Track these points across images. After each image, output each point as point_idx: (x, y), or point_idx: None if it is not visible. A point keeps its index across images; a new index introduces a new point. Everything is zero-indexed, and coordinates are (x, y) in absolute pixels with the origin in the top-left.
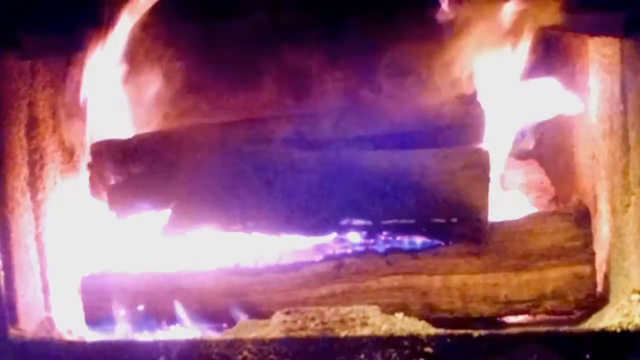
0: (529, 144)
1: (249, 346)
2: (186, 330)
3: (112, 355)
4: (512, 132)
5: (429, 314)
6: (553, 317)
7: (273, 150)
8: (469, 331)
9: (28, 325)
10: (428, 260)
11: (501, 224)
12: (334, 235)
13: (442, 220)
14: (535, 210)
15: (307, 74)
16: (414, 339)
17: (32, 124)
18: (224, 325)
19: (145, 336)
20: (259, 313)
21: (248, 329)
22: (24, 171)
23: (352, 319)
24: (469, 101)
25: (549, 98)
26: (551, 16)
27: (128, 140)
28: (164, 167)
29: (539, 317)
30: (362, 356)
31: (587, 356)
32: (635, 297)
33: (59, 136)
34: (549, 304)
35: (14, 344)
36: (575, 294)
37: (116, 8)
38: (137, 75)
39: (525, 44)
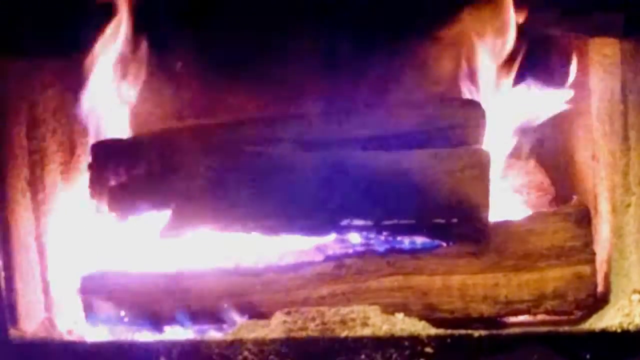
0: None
1: (249, 346)
2: (186, 330)
3: (112, 355)
4: (512, 132)
5: (429, 314)
6: (553, 317)
7: (273, 150)
8: (469, 331)
9: (28, 325)
10: (428, 261)
11: (501, 224)
12: (334, 235)
13: (442, 221)
14: (535, 210)
15: (307, 74)
16: (414, 339)
17: (33, 125)
18: (224, 325)
19: (145, 336)
20: (259, 313)
21: (248, 329)
22: (25, 172)
23: (353, 319)
24: (469, 101)
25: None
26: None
27: (128, 140)
28: (164, 167)
29: (539, 317)
30: (363, 356)
31: (588, 356)
32: (635, 297)
33: (59, 136)
34: (549, 304)
35: (14, 344)
36: (575, 294)
37: (116, 8)
38: (137, 75)
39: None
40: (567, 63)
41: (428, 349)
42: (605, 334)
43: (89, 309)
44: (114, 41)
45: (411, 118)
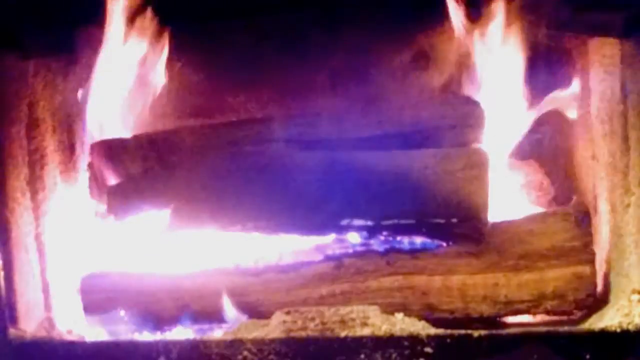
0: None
1: (249, 346)
2: (186, 330)
3: (112, 355)
4: (512, 132)
5: (429, 314)
6: (553, 317)
7: (273, 150)
8: (469, 331)
9: (28, 325)
10: (428, 261)
11: (501, 224)
12: (333, 235)
13: (442, 221)
14: (535, 210)
15: (307, 74)
16: (414, 339)
17: (32, 124)
18: (224, 325)
19: (145, 336)
20: (259, 313)
21: (248, 329)
22: (24, 171)
23: (352, 319)
24: (469, 101)
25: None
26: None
27: (128, 140)
28: (164, 167)
29: (539, 317)
30: (362, 356)
31: (587, 356)
32: (635, 297)
33: (59, 136)
34: (549, 304)
35: (14, 344)
36: (575, 294)
37: (116, 8)
38: (137, 75)
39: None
40: (567, 63)
41: (428, 349)
42: (604, 334)
43: (89, 309)
44: (113, 40)
45: (411, 118)
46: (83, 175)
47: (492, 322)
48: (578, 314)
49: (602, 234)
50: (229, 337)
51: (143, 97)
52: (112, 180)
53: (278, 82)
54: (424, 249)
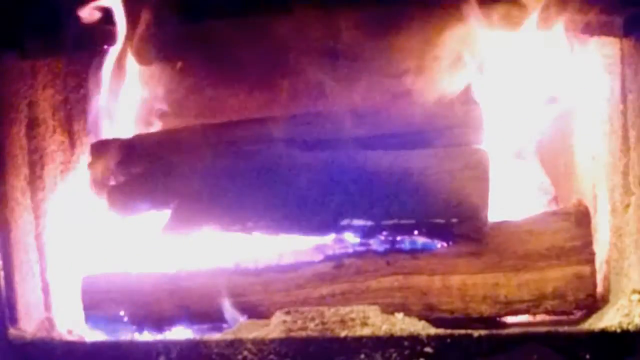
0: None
1: (249, 346)
2: (186, 330)
3: (112, 355)
4: (512, 132)
5: (429, 314)
6: (553, 317)
7: (273, 150)
8: (469, 331)
9: (28, 325)
10: (428, 261)
11: (501, 224)
12: (333, 235)
13: (442, 221)
14: (535, 210)
15: (307, 74)
16: (414, 339)
17: (32, 124)
18: (224, 325)
19: (145, 336)
20: (259, 313)
21: (248, 329)
22: (24, 171)
23: (352, 319)
24: (469, 101)
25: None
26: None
27: (128, 140)
28: (164, 167)
29: (539, 317)
30: (362, 356)
31: (587, 356)
32: (635, 297)
33: (59, 136)
34: (549, 304)
35: (14, 344)
36: (575, 294)
37: (116, 8)
38: (138, 74)
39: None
40: (567, 62)
41: (428, 349)
42: (604, 334)
43: (89, 309)
44: (113, 40)
45: (411, 118)
46: (83, 175)
47: (492, 322)
48: (578, 314)
49: (602, 234)
50: (229, 337)
51: (143, 96)
52: (112, 180)
53: (278, 82)
54: (424, 249)
